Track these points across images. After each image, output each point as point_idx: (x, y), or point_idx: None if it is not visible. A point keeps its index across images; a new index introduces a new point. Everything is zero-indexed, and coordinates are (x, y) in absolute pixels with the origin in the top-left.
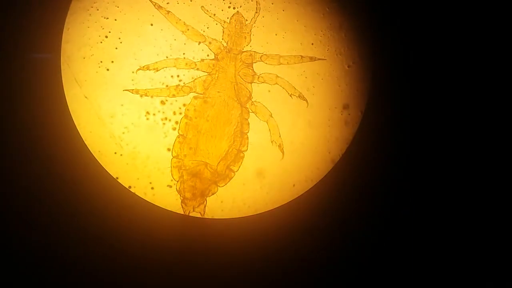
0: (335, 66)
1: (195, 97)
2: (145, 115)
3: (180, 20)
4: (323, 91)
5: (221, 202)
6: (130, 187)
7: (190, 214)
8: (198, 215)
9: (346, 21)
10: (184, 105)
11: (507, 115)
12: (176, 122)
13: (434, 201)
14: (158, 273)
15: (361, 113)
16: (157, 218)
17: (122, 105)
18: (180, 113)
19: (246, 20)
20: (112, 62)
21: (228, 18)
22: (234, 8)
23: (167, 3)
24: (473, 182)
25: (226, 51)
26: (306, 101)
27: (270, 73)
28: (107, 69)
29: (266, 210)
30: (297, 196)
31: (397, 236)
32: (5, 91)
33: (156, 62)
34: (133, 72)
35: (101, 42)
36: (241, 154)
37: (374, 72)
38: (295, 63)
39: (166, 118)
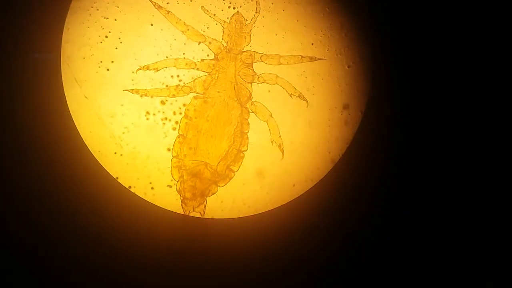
0: (335, 66)
1: (195, 97)
2: (145, 115)
3: (180, 20)
4: (323, 91)
5: (221, 202)
6: (130, 187)
7: (190, 214)
8: (198, 215)
9: (346, 21)
10: (184, 105)
11: (507, 115)
12: (176, 122)
13: (434, 201)
14: (158, 273)
15: (361, 113)
16: (157, 218)
17: (122, 105)
18: (180, 113)
19: (246, 20)
20: (112, 62)
21: (228, 18)
22: (234, 8)
23: (167, 3)
24: (473, 182)
25: (226, 51)
26: (306, 101)
27: (270, 73)
28: (107, 69)
29: (266, 210)
30: (297, 196)
31: (397, 236)
32: (5, 91)
33: (156, 62)
34: (133, 72)
35: (101, 42)
36: (241, 154)
37: (374, 72)
38: (295, 63)
39: (166, 118)
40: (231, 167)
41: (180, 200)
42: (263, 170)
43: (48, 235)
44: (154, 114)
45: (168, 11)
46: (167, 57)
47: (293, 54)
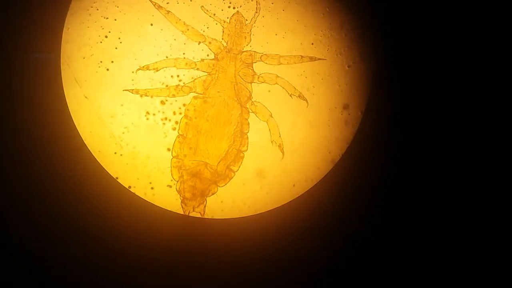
0: (335, 66)
1: (195, 97)
2: (145, 115)
3: (180, 20)
4: (323, 91)
5: (221, 202)
6: (130, 187)
7: (190, 214)
8: (198, 215)
9: (346, 21)
10: (184, 105)
11: (507, 115)
12: (176, 122)
13: (434, 201)
14: (158, 273)
15: (361, 113)
16: (157, 218)
17: (122, 105)
18: (180, 113)
19: (246, 20)
20: (112, 62)
21: (228, 18)
22: (234, 8)
23: (167, 3)
24: (473, 182)
25: (226, 51)
26: (306, 101)
27: (270, 73)
28: (107, 69)
29: (266, 210)
30: (297, 196)
31: (397, 236)
32: (5, 91)
33: (156, 62)
34: (133, 72)
35: (101, 42)
36: (241, 154)
37: (374, 72)
38: (295, 63)
39: (166, 118)
40: (231, 167)
41: (180, 200)
42: (263, 170)
43: (48, 235)
44: (154, 114)
45: (168, 11)
46: (167, 57)
47: (293, 54)
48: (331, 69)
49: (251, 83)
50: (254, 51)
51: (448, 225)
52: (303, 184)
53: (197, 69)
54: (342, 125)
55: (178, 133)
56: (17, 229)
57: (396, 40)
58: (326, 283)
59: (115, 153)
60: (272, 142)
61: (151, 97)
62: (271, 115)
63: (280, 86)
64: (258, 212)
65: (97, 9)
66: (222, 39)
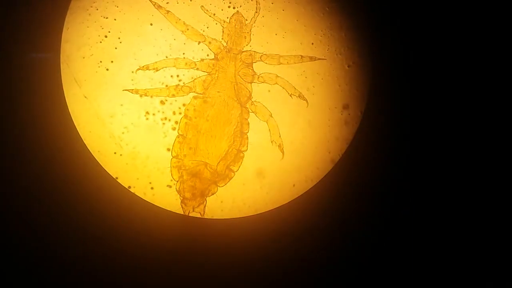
0: (335, 66)
1: (195, 97)
2: (145, 115)
3: (179, 19)
4: (323, 91)
5: (221, 202)
6: (130, 187)
7: (190, 214)
8: (198, 215)
9: (346, 21)
10: (184, 105)
11: (507, 115)
12: (176, 122)
13: (434, 201)
14: (158, 273)
15: (361, 113)
16: (157, 218)
17: (121, 105)
18: (180, 113)
19: (246, 20)
20: (112, 62)
21: (228, 17)
22: (234, 7)
23: (167, 2)
24: (473, 181)
25: (226, 51)
26: (306, 101)
27: (270, 73)
28: (107, 69)
29: (266, 210)
30: (297, 196)
31: (397, 236)
32: (5, 91)
33: (156, 62)
34: (132, 72)
35: (100, 42)
36: (241, 154)
37: (374, 72)
38: (295, 63)
39: (165, 118)
40: (231, 167)
41: (180, 200)
42: (263, 170)
43: (47, 235)
44: (153, 114)
45: (168, 11)
46: (166, 57)
47: (293, 54)
48: (331, 69)
49: (251, 83)
50: (254, 51)
51: (448, 225)
52: (303, 184)
53: (197, 69)
54: (342, 125)
55: (178, 133)
56: (17, 229)
57: (396, 39)
58: (326, 283)
59: (115, 153)
60: (272, 142)
61: (151, 97)
62: (271, 115)
63: (280, 86)
64: (258, 212)
65: (97, 9)
66: (222, 39)
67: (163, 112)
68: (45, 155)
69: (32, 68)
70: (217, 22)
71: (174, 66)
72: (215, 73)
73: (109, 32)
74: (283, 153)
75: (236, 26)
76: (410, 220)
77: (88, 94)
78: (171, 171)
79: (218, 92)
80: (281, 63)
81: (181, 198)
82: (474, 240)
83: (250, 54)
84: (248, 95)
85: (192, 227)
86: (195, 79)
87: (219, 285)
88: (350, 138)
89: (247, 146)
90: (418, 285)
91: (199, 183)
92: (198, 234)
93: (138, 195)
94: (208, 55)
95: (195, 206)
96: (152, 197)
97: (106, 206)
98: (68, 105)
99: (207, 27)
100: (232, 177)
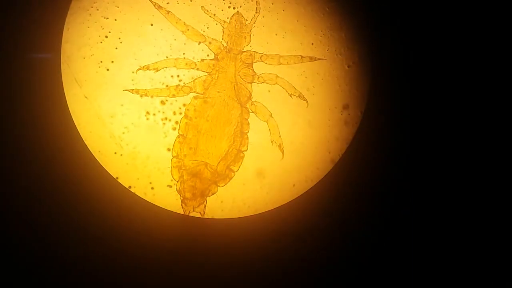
0: (335, 66)
1: (195, 97)
2: (145, 115)
3: (180, 20)
4: (323, 91)
5: (221, 202)
6: (130, 187)
7: (190, 214)
8: (198, 215)
9: (346, 21)
10: (184, 105)
11: (507, 115)
12: (176, 122)
13: (434, 201)
14: (158, 273)
15: (361, 113)
16: (157, 218)
17: (122, 105)
18: (180, 113)
19: (246, 20)
20: (112, 62)
21: (228, 18)
22: (234, 8)
23: (167, 3)
24: (473, 181)
25: (226, 51)
26: (306, 101)
27: (270, 73)
28: (107, 69)
29: (266, 210)
30: (297, 196)
31: (397, 236)
32: (5, 91)
33: (156, 62)
34: (133, 72)
35: (101, 42)
36: (241, 154)
37: (374, 72)
38: (295, 63)
39: (166, 118)
40: (231, 167)
41: (180, 200)
42: (263, 170)
43: (48, 235)
44: (154, 114)
45: (168, 11)
46: (167, 57)
47: (293, 54)
48: (331, 69)
49: (251, 83)
50: (254, 51)
51: (448, 225)
52: (303, 184)
53: (197, 69)
54: (342, 125)
55: (178, 133)
56: (17, 229)
57: (396, 40)
58: (326, 283)
59: (115, 153)
60: (272, 142)
61: (151, 97)
62: (271, 115)
63: (280, 86)
64: (258, 212)
65: (97, 9)
66: (222, 39)
67: (163, 112)
68: (45, 155)
69: (33, 68)
70: (217, 23)
71: (175, 66)
72: (215, 73)
73: (109, 32)
74: (283, 153)
75: (236, 27)
76: (410, 220)
77: (88, 94)
78: (171, 171)
79: (218, 92)
80: (281, 63)
81: (182, 198)
82: (474, 240)
83: (250, 54)
84: (248, 95)
85: (192, 227)
86: (195, 79)
87: (219, 285)
88: (350, 138)
89: (247, 146)
90: (418, 285)
91: (199, 183)
92: (198, 234)
93: (139, 195)
94: (208, 55)
95: (196, 206)
96: (153, 197)
97: (107, 206)
98: (68, 105)
99: (208, 28)
100: (232, 177)
